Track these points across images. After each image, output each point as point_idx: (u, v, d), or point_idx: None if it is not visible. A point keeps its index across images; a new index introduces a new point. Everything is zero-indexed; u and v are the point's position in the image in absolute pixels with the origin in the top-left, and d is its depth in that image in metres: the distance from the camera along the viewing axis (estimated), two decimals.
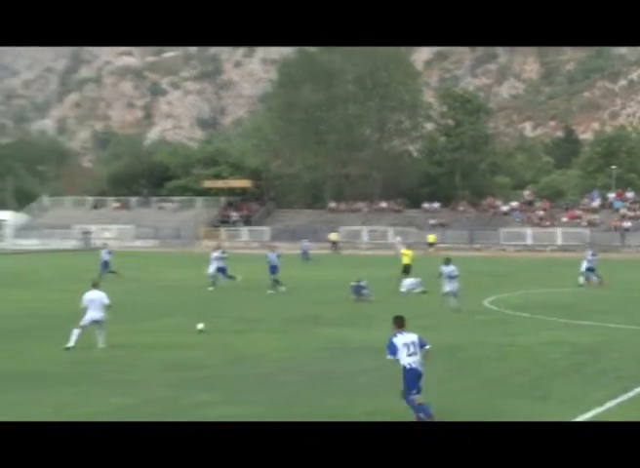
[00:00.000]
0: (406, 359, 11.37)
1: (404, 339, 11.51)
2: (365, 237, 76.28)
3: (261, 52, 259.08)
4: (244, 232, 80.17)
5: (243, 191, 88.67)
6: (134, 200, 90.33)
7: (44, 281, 37.99)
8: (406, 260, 33.54)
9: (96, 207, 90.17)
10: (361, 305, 27.96)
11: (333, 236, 70.78)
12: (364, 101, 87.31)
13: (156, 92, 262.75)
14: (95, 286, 19.24)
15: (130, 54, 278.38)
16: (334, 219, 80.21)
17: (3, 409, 12.97)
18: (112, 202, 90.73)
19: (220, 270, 34.50)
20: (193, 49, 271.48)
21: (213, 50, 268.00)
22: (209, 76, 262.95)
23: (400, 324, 11.75)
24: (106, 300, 18.90)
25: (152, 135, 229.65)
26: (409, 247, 42.69)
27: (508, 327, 22.47)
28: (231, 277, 34.60)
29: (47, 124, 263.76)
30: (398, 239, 66.04)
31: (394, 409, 12.19)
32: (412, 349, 11.43)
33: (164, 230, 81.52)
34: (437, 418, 11.28)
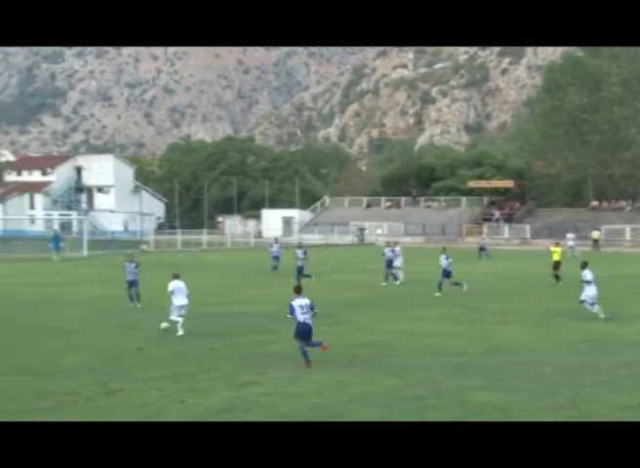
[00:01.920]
0: (300, 316, 14.67)
1: (299, 302, 14.79)
2: (628, 235, 72.23)
3: (527, 58, 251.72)
4: (505, 229, 78.68)
5: (505, 191, 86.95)
6: (403, 199, 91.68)
7: (325, 272, 39.59)
8: (555, 257, 32.05)
9: (369, 206, 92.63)
10: (624, 300, 26.22)
11: (595, 234, 67.49)
12: (631, 103, 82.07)
13: (426, 100, 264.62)
14: (176, 277, 19.72)
15: (405, 66, 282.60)
16: (595, 218, 76.32)
17: (276, 383, 13.69)
18: (384, 201, 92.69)
19: (299, 269, 33.16)
20: (462, 58, 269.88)
21: (481, 59, 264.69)
22: (476, 84, 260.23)
23: (298, 291, 15.06)
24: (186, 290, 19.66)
25: (422, 139, 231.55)
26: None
27: None
28: (308, 276, 32.95)
29: (330, 132, 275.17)
30: None
31: None
32: (304, 310, 14.71)
33: (430, 227, 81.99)
34: None
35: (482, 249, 51.05)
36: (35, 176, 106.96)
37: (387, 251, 33.01)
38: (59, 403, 12.11)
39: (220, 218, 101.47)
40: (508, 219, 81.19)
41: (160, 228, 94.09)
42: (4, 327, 20.62)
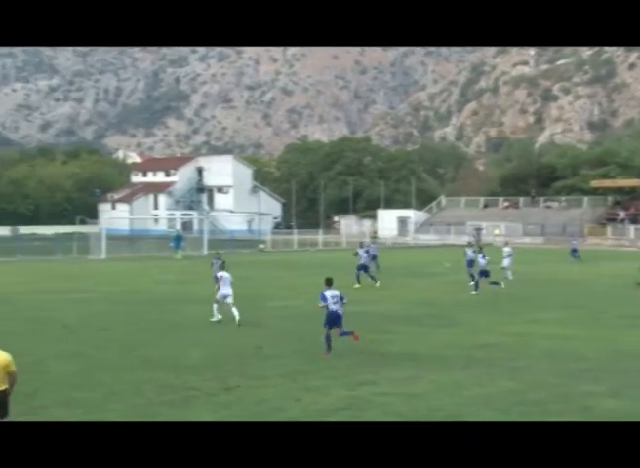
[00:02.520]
0: (331, 306, 16.34)
1: (330, 293, 16.46)
2: None
3: None
4: (630, 230, 75.40)
5: (631, 190, 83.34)
6: (522, 199, 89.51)
7: (441, 273, 39.17)
8: None
9: (486, 206, 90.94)
10: None
11: None
12: None
13: (547, 97, 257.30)
14: (222, 268, 21.91)
15: (525, 63, 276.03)
16: None
17: (392, 384, 13.66)
18: (502, 201, 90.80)
19: (362, 268, 32.03)
20: (586, 54, 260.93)
21: (607, 54, 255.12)
22: (601, 80, 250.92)
23: (329, 283, 16.71)
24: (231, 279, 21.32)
25: (542, 138, 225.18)
26: None
27: None
28: (372, 277, 32.01)
29: (447, 131, 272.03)
30: None
31: None
32: (335, 300, 16.41)
33: (550, 227, 79.68)
34: None
35: (574, 250, 49.39)
36: (159, 177, 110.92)
37: (470, 252, 32.43)
38: (181, 397, 12.51)
39: (335, 218, 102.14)
40: (634, 220, 77.87)
41: (277, 228, 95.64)
42: (132, 323, 21.48)
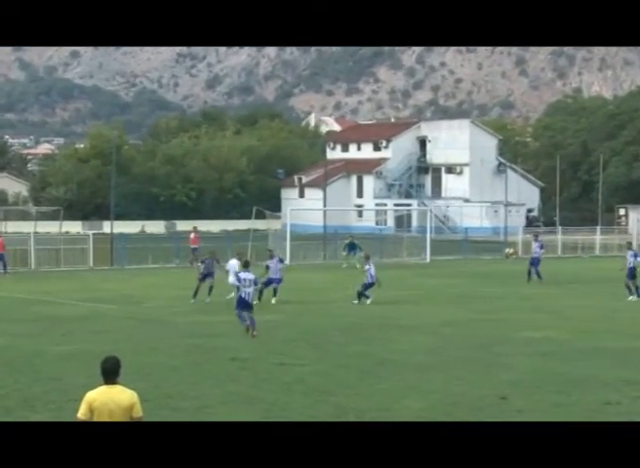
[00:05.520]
0: (243, 290, 25.24)
1: (244, 276, 25.44)
2: None
3: None
4: None
5: None
6: None
7: None
8: None
9: None
10: None
11: None
12: None
13: None
14: (245, 265, 26.98)
15: None
16: None
17: None
18: None
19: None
20: None
21: None
22: None
23: (246, 265, 26.63)
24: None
25: None
26: None
27: None
28: None
29: None
30: None
31: None
32: (248, 283, 25.19)
33: None
34: None
35: None
36: (365, 152, 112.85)
37: (631, 254, 35.75)
38: None
39: (621, 211, 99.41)
40: None
41: (532, 224, 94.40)
42: (323, 357, 22.24)
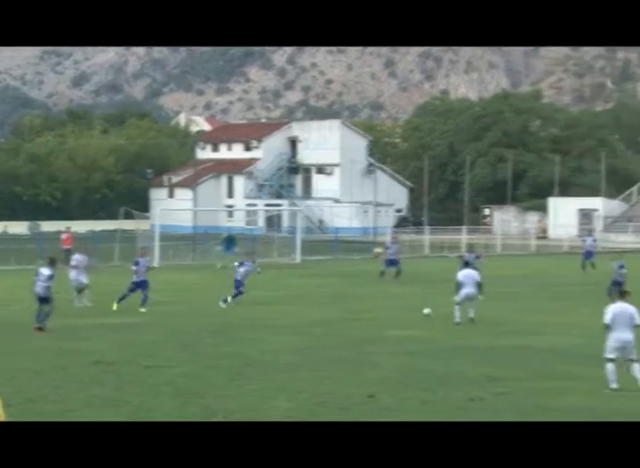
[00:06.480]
0: (39, 283, 26.78)
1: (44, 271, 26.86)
2: None
3: None
4: None
5: None
6: None
7: None
8: None
9: None
10: None
11: None
12: None
13: None
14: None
15: None
16: None
17: None
18: None
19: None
20: None
21: None
22: None
23: (52, 263, 27.34)
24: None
25: None
26: None
27: None
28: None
29: None
30: None
31: None
32: (42, 278, 26.65)
33: None
34: None
35: None
36: (236, 152, 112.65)
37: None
38: None
39: (486, 211, 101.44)
40: None
41: (402, 224, 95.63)
42: (194, 358, 22.12)
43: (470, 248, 38.69)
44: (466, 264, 32.63)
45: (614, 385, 17.78)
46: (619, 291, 19.40)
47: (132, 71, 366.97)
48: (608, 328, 17.99)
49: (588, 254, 48.30)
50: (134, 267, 32.26)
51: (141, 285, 31.68)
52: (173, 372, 20.10)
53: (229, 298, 32.75)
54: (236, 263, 34.15)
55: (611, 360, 17.89)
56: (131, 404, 16.93)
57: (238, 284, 33.24)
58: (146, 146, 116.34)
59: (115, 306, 31.44)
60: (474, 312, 28.31)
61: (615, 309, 18.10)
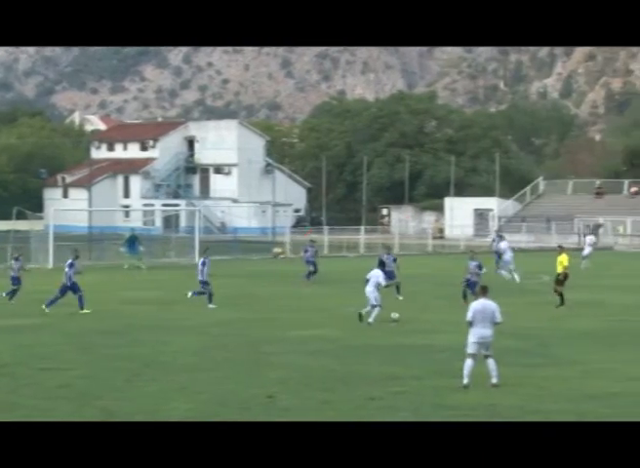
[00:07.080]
0: None
1: None
2: None
3: None
4: None
5: None
6: None
7: (534, 290, 39.05)
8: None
9: (601, 193, 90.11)
10: None
11: None
12: None
13: None
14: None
15: None
16: None
17: None
18: (628, 186, 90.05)
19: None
20: None
21: None
22: None
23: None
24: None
25: None
26: None
27: None
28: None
29: (548, 84, 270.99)
30: None
31: None
32: None
33: None
34: None
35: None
36: (132, 152, 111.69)
37: None
38: None
39: (384, 211, 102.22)
40: None
41: (300, 224, 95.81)
42: (90, 361, 21.76)
43: (388, 249, 38.27)
44: (381, 264, 33.02)
45: (465, 381, 18.10)
46: (481, 287, 19.64)
47: (22, 69, 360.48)
48: (469, 324, 18.32)
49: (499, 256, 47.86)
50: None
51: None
52: (70, 375, 19.77)
53: (210, 305, 32.29)
54: (199, 263, 33.66)
55: (471, 355, 18.21)
56: (25, 407, 16.56)
57: (204, 285, 33.13)
58: (39, 145, 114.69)
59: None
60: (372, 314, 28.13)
61: (476, 306, 18.49)
